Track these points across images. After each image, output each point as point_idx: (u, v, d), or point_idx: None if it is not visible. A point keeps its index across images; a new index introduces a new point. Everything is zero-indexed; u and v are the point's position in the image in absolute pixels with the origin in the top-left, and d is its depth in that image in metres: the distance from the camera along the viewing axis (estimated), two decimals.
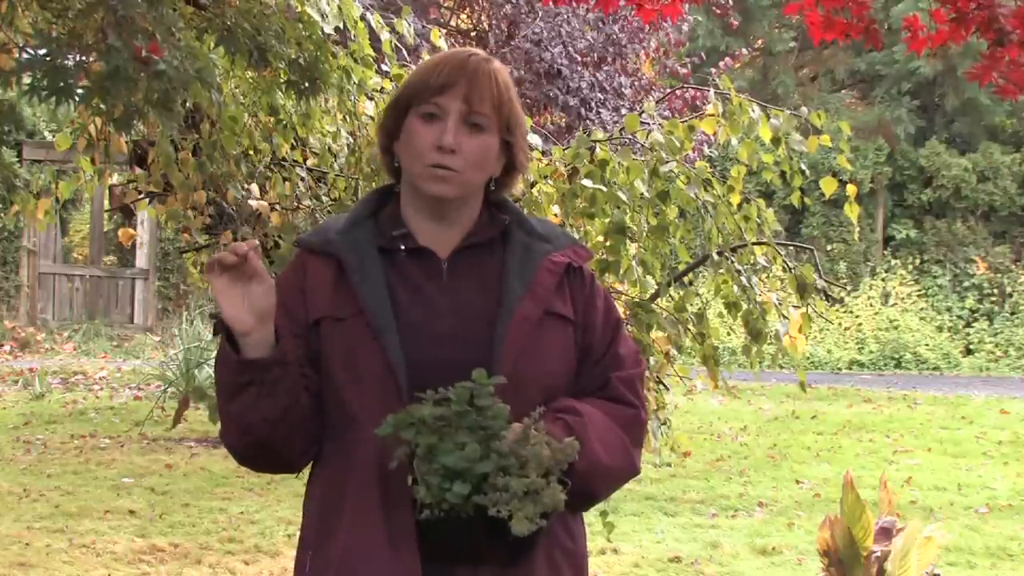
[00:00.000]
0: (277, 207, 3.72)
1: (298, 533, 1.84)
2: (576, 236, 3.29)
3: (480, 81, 1.76)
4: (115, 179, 4.56)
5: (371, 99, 3.80)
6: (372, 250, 1.78)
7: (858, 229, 14.74)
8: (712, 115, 3.70)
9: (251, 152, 3.81)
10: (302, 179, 3.86)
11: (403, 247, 1.79)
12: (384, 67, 3.83)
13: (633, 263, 3.45)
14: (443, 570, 1.67)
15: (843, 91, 19.52)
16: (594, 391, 1.80)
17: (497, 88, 1.78)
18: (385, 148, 1.86)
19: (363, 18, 3.70)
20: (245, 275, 1.67)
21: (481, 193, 1.84)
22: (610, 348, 1.83)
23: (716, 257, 3.54)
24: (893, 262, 16.32)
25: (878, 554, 3.99)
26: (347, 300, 1.74)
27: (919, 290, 16.13)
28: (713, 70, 11.97)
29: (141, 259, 15.59)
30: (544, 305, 1.77)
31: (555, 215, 3.45)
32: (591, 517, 2.33)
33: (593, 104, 9.86)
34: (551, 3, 3.58)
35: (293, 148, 3.93)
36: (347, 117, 3.82)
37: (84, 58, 2.25)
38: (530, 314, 1.75)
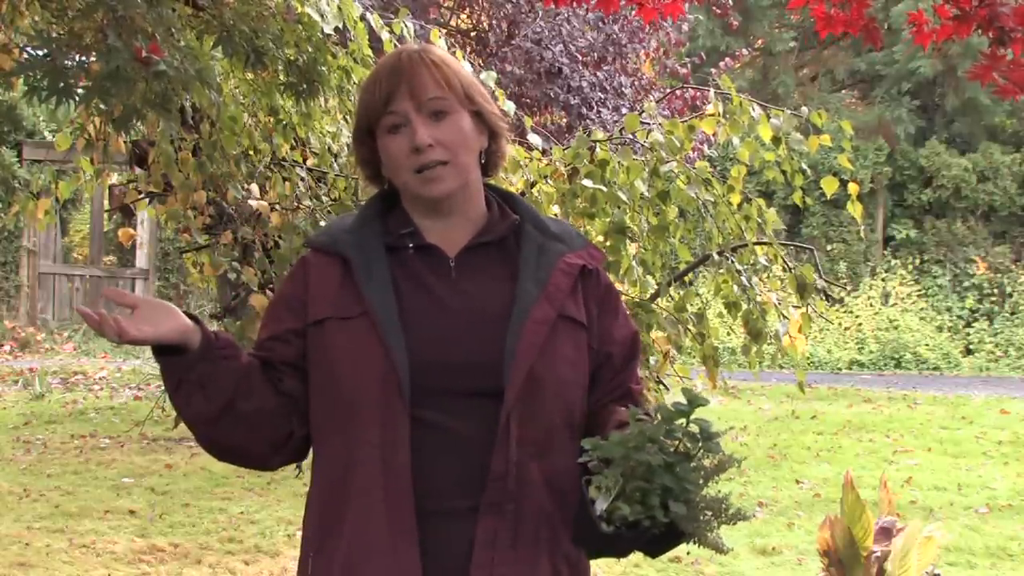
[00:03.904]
0: (277, 207, 3.72)
1: (298, 533, 1.84)
2: None
3: (417, 72, 1.76)
4: (115, 179, 4.56)
5: None
6: (379, 249, 1.77)
7: (862, 227, 14.74)
8: (712, 115, 3.70)
9: (251, 152, 3.81)
10: (302, 179, 3.86)
11: (411, 244, 1.78)
12: None
13: (633, 263, 3.45)
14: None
15: (843, 91, 19.52)
16: (614, 401, 1.80)
17: (437, 70, 1.77)
18: (372, 179, 1.86)
19: (363, 18, 3.70)
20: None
21: (480, 180, 1.82)
22: (630, 363, 1.84)
23: (716, 257, 3.54)
24: (893, 262, 16.32)
25: (878, 554, 3.99)
26: (352, 300, 1.73)
27: (919, 290, 16.13)
28: (713, 70, 11.97)
29: (141, 259, 15.61)
30: (559, 308, 1.74)
31: (555, 215, 3.45)
32: None
33: (594, 103, 9.86)
34: (552, 3, 3.57)
35: (293, 148, 3.93)
36: (347, 117, 3.82)
37: (84, 58, 2.25)
38: (545, 317, 1.73)
